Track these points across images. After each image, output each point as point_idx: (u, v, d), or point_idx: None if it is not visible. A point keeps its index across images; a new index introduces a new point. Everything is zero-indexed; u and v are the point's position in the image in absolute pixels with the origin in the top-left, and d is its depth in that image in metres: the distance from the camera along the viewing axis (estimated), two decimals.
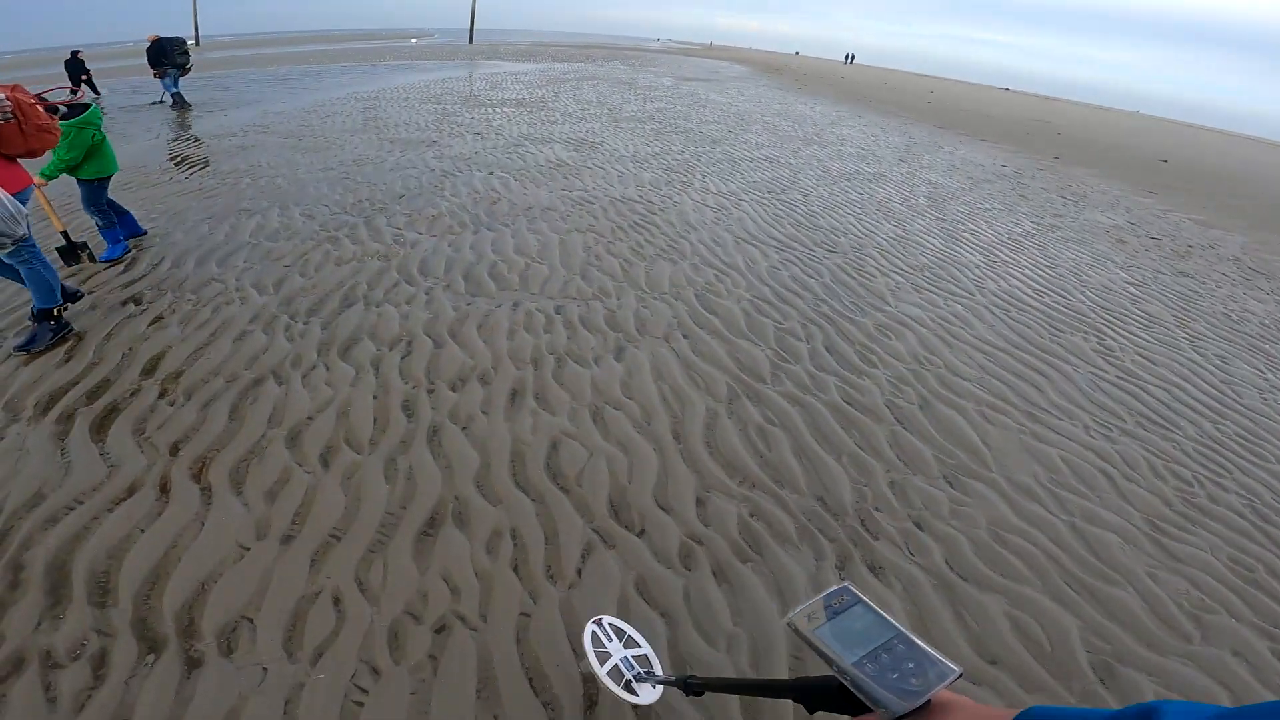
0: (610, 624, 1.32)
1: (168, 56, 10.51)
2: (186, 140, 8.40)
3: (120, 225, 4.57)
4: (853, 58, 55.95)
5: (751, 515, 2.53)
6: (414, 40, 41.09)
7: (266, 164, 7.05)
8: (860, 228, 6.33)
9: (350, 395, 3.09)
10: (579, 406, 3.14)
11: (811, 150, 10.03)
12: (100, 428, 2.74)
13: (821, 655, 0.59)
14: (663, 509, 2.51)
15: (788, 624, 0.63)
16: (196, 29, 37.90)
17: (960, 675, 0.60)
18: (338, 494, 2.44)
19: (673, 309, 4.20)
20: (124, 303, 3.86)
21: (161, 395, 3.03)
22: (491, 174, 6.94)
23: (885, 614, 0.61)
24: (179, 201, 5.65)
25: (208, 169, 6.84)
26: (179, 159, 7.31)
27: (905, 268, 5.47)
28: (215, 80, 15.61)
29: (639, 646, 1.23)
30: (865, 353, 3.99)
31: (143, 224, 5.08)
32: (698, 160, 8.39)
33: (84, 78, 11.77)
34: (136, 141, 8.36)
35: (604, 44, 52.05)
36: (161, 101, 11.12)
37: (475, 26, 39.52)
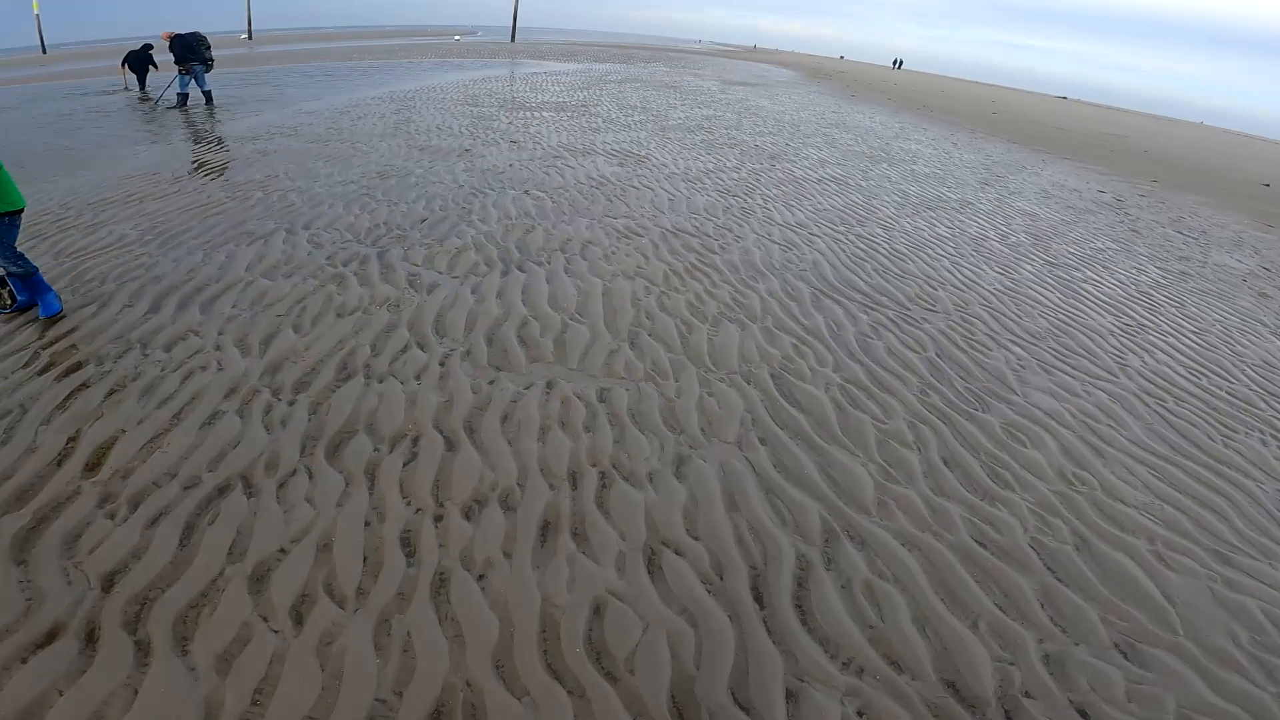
0: None
1: (194, 52, 10.05)
2: (210, 143, 7.86)
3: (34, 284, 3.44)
4: (901, 63, 53.89)
5: (861, 715, 1.74)
6: (457, 37, 40.99)
7: (284, 174, 6.41)
8: (959, 275, 5.32)
9: (335, 520, 2.33)
10: (630, 550, 2.31)
11: (881, 170, 8.97)
12: (25, 544, 2.13)
13: None
14: (742, 707, 1.81)
15: None
16: (249, 22, 38.50)
17: None
18: (312, 666, 1.80)
19: (744, 398, 3.31)
20: (81, 363, 3.17)
21: (102, 503, 2.36)
22: (526, 193, 6.14)
23: None
24: (179, 220, 5.01)
25: (221, 179, 6.23)
26: (196, 165, 6.73)
27: (1024, 334, 4.46)
28: (259, 75, 15.33)
29: None
30: (995, 467, 3.05)
31: (138, 246, 4.44)
32: (756, 180, 7.45)
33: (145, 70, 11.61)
34: (159, 144, 7.87)
35: (645, 45, 51.22)
36: (170, 100, 10.61)
37: (517, 25, 39.17)
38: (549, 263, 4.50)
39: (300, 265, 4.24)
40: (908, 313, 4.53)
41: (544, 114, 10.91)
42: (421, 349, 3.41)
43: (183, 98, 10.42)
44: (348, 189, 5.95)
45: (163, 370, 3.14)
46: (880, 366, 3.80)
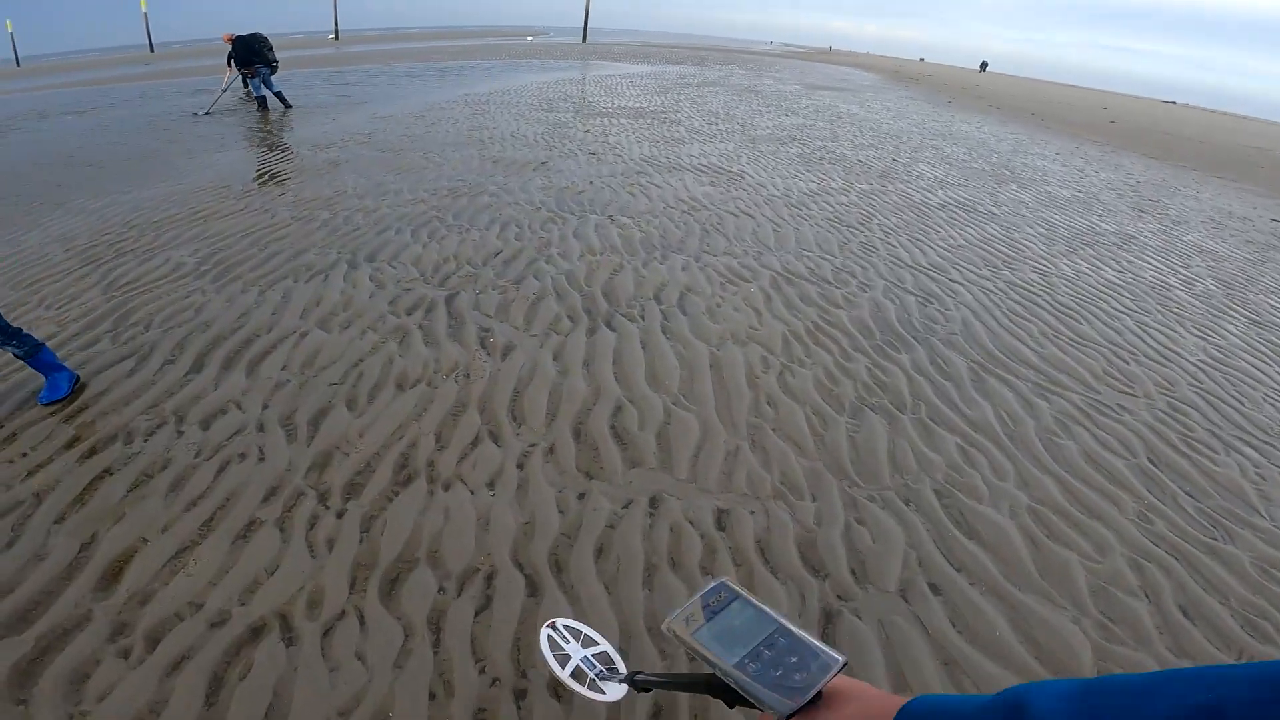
0: (565, 626, 1.15)
1: (258, 54, 9.99)
2: (281, 152, 7.61)
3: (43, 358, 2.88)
4: (986, 65, 50.24)
5: None
6: (530, 38, 41.26)
7: (352, 189, 5.98)
8: (1150, 341, 4.19)
9: (392, 689, 1.79)
10: None
11: (1012, 192, 7.73)
12: (26, 678, 1.75)
13: (704, 660, 0.56)
14: None
15: (666, 629, 0.59)
16: (336, 23, 40.03)
17: (845, 664, 0.54)
18: None
19: (905, 526, 2.45)
20: (108, 439, 2.68)
21: (116, 635, 1.88)
22: (610, 219, 5.43)
23: (765, 607, 0.58)
24: (238, 247, 4.59)
25: (287, 194, 5.85)
26: (266, 178, 6.42)
27: (1253, 429, 3.35)
28: (342, 75, 15.50)
29: (597, 644, 1.06)
30: (1252, 617, 2.15)
31: (192, 278, 4.02)
32: (870, 206, 6.45)
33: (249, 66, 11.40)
34: (230, 151, 7.69)
35: (716, 46, 49.86)
36: (253, 100, 10.65)
37: (589, 25, 38.98)
38: (642, 317, 3.74)
39: (360, 312, 3.67)
40: (1098, 398, 3.49)
41: (622, 121, 10.23)
42: (495, 441, 2.72)
43: (260, 100, 10.40)
44: (416, 209, 5.42)
45: (197, 456, 2.60)
46: (1079, 479, 2.85)
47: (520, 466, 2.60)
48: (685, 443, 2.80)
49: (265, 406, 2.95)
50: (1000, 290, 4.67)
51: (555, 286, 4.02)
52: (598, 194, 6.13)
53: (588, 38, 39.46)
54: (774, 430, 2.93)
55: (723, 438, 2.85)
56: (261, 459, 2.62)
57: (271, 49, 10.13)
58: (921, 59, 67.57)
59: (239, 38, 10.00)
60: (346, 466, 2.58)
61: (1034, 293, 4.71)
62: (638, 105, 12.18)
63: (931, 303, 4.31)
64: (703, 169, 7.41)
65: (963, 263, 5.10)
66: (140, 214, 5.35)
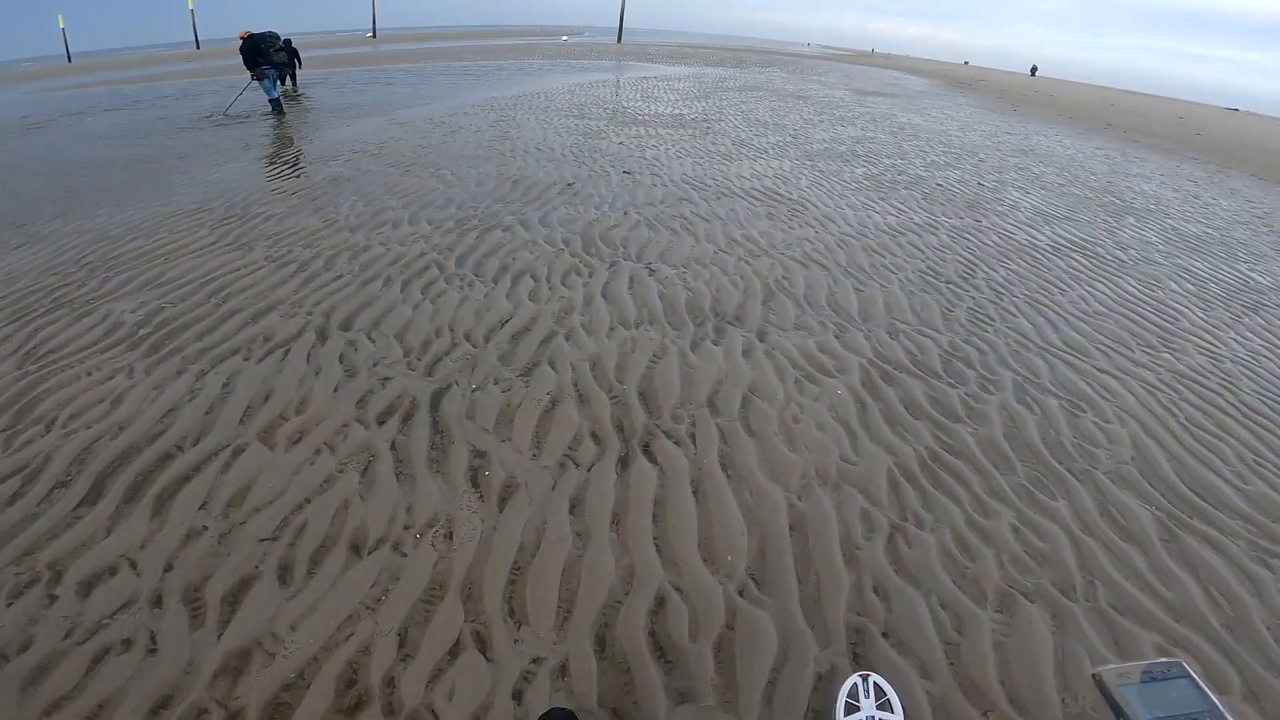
0: (875, 683, 1.19)
1: (264, 55, 9.28)
2: (282, 166, 6.82)
3: None
4: (1036, 70, 47.53)
5: None
6: (565, 38, 40.51)
7: (345, 218, 5.11)
8: None
9: None
10: None
11: (1131, 228, 6.43)
12: None
13: (1115, 709, 0.55)
14: None
15: (1094, 674, 0.58)
16: (374, 21, 40.04)
17: None
18: None
19: None
20: None
21: None
22: (649, 270, 4.42)
23: (1214, 696, 0.54)
24: (194, 299, 3.73)
25: (269, 223, 5.02)
26: (252, 201, 5.60)
27: None
28: (369, 77, 14.84)
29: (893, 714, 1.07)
30: None
31: (123, 351, 3.16)
32: (970, 252, 5.27)
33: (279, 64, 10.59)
34: (228, 165, 6.93)
35: (753, 47, 48.32)
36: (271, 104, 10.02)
37: (624, 25, 38.03)
38: (693, 439, 2.71)
39: (318, 418, 2.74)
40: None
41: (660, 131, 9.20)
42: (483, 651, 1.77)
43: (275, 104, 9.73)
44: (413, 250, 4.50)
45: (68, 636, 1.89)
46: None
47: (518, 697, 1.63)
48: (757, 662, 1.79)
49: (168, 569, 2.05)
50: (1168, 387, 3.49)
51: (576, 382, 3.02)
52: (633, 231, 5.12)
53: (623, 38, 38.52)
54: (886, 637, 1.89)
55: (811, 654, 1.83)
56: (153, 650, 1.75)
57: (284, 49, 9.42)
58: (966, 62, 64.83)
59: (249, 37, 9.32)
60: (270, 676, 1.67)
61: (1210, 389, 3.52)
62: (677, 112, 11.14)
63: (1084, 410, 3.17)
64: (757, 194, 6.34)
65: (1107, 340, 3.93)
66: (100, 247, 4.56)
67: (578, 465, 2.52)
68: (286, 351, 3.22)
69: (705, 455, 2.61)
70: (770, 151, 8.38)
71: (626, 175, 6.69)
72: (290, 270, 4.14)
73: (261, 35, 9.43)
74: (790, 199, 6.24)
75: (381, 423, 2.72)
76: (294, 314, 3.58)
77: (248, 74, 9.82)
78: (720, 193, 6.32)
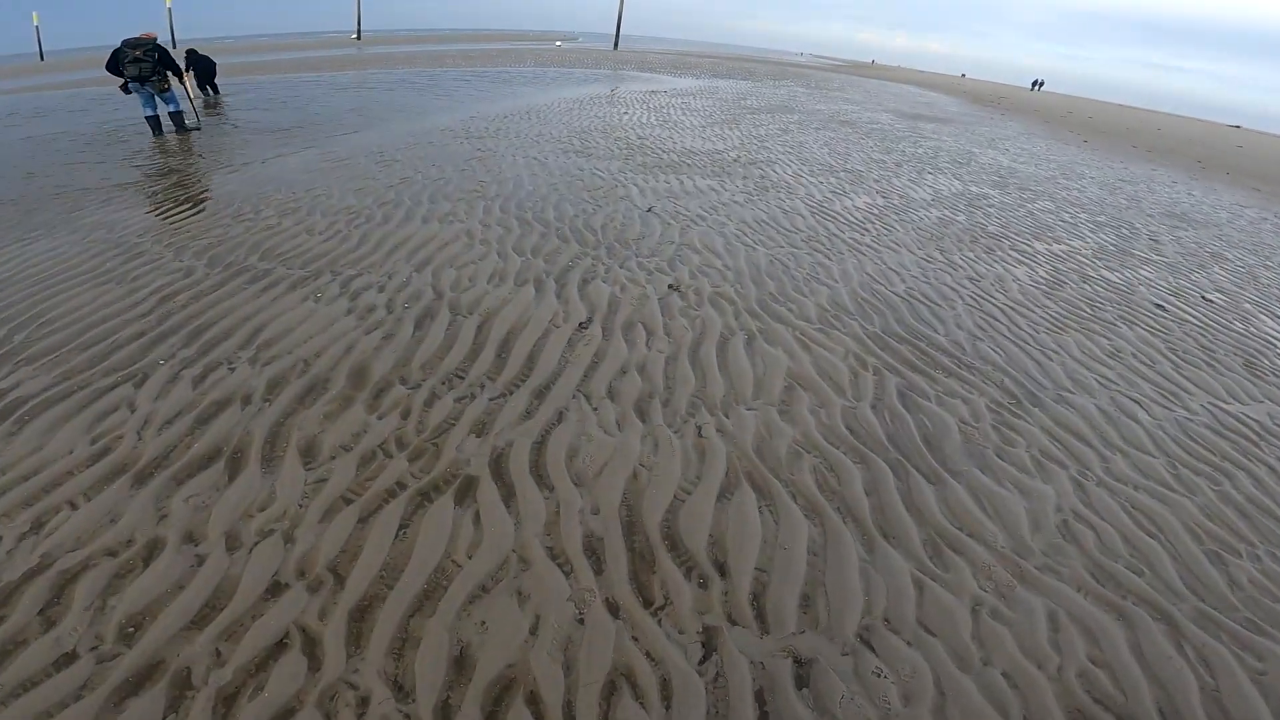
0: None
1: (120, 65, 6.66)
2: (134, 230, 3.94)
3: None
4: (1041, 84, 45.65)
5: None
6: (559, 43, 37.87)
7: (156, 406, 2.30)
8: None
9: None
10: None
11: None
12: None
13: None
14: None
15: None
16: (359, 22, 37.27)
17: None
18: None
19: None
20: None
21: None
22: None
23: None
24: None
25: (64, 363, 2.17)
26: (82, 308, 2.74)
27: None
28: (349, 83, 11.88)
29: None
30: None
31: None
32: None
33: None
34: (107, 207, 4.09)
35: (750, 56, 45.87)
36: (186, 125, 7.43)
37: (620, 32, 35.59)
38: None
39: None
40: None
41: (697, 181, 6.49)
42: None
43: (150, 121, 7.03)
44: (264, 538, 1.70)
45: None
46: None
47: None
48: None
49: None
50: None
51: None
52: (726, 511, 2.37)
53: (619, 44, 36.01)
54: None
55: None
56: None
57: (138, 60, 6.58)
58: (963, 75, 63.13)
59: (125, 43, 6.74)
60: None
61: None
62: (711, 147, 8.43)
63: None
64: (906, 354, 3.60)
65: None
66: None
67: None
68: None
69: None
70: (861, 224, 5.69)
71: (673, 291, 3.94)
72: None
73: (125, 41, 6.65)
74: (984, 367, 3.50)
75: None
76: None
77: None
78: (828, 331, 3.58)
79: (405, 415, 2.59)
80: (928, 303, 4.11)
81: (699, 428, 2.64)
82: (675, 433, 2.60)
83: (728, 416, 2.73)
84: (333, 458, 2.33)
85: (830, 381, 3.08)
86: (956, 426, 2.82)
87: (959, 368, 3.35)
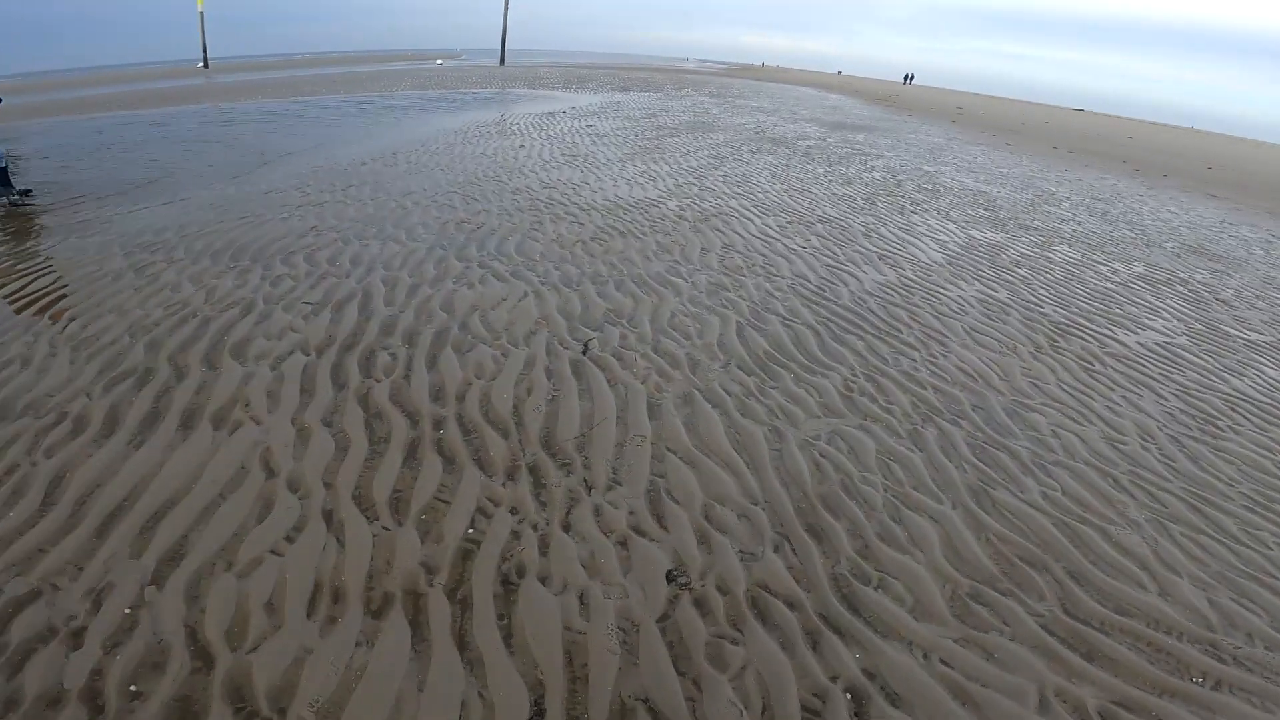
0: None
1: None
2: None
3: None
4: (911, 78, 48.09)
5: None
6: (439, 61, 34.81)
7: None
8: None
9: None
10: None
11: None
12: None
13: None
14: None
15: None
16: (205, 50, 32.15)
17: None
18: None
19: None
20: None
21: None
22: None
23: None
24: None
25: None
26: None
27: None
28: (170, 122, 8.58)
29: None
30: None
31: None
32: None
33: None
34: None
35: (642, 65, 44.79)
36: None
37: (507, 46, 33.23)
38: None
39: None
40: None
41: (639, 264, 4.47)
42: None
43: None
44: None
45: None
46: None
47: None
48: None
49: None
50: None
51: None
52: None
53: (506, 59, 33.60)
54: None
55: None
56: None
57: None
58: (839, 72, 65.71)
59: None
60: None
61: None
62: (642, 195, 6.44)
63: None
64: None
65: None
66: None
67: None
68: None
69: None
70: (904, 336, 3.91)
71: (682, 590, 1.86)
72: None
73: None
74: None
75: None
76: None
77: None
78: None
79: None
80: (1092, 527, 2.30)
81: None
82: None
83: None
84: None
85: None
86: None
87: None
